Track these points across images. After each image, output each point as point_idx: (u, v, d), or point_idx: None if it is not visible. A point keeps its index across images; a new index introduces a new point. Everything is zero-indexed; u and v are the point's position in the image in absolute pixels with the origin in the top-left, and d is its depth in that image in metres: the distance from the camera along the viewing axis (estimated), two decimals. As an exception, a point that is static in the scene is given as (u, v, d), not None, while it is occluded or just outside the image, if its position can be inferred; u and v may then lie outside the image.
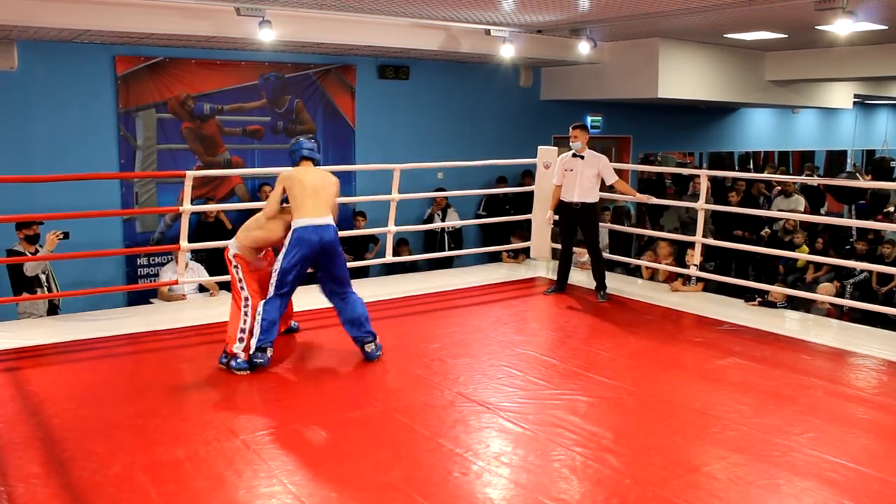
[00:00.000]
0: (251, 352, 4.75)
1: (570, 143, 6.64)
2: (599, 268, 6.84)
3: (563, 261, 6.95)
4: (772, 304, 6.42)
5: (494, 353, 5.20)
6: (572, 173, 6.63)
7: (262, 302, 4.83)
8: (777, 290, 6.57)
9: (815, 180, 12.30)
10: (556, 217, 7.06)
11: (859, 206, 12.93)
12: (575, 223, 6.78)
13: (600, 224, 9.00)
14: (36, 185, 6.88)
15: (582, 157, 6.62)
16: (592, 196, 6.69)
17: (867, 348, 5.35)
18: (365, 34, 8.07)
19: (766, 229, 9.74)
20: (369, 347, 4.97)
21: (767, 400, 4.38)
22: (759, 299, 6.46)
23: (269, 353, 4.80)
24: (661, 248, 7.16)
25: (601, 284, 6.83)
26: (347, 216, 9.27)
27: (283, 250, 4.86)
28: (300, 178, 4.93)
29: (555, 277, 7.36)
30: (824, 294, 7.06)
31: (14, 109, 7.58)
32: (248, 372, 4.69)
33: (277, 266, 4.84)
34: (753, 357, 5.18)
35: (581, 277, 7.43)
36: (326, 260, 4.93)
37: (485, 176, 10.27)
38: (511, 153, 8.65)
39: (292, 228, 4.86)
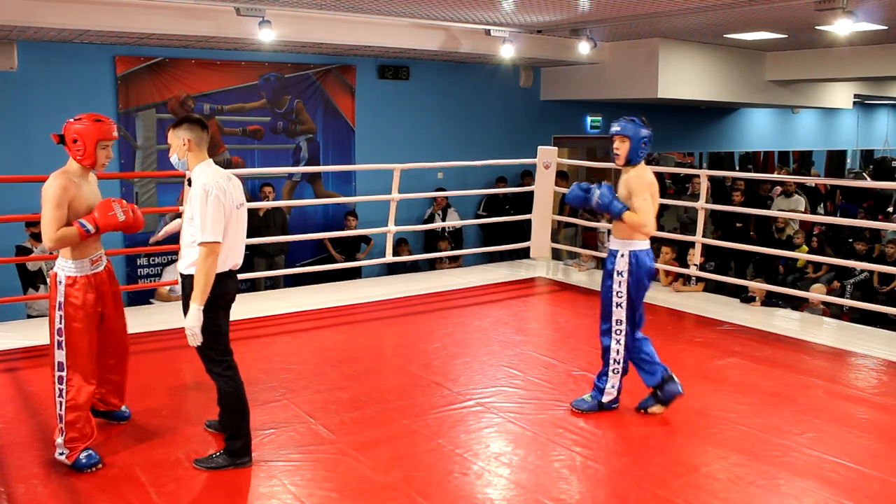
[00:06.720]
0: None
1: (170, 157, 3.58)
2: (234, 414, 3.51)
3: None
4: (775, 304, 6.42)
5: (494, 353, 5.20)
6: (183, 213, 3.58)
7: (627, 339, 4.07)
8: (757, 286, 6.56)
9: (823, 180, 12.27)
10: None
11: (846, 206, 12.90)
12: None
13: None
14: (36, 184, 6.87)
15: (189, 183, 3.46)
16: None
17: (867, 348, 5.35)
18: (365, 34, 8.07)
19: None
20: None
21: (767, 400, 4.39)
22: (758, 300, 6.46)
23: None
24: (664, 253, 7.14)
25: (232, 438, 3.47)
26: (340, 216, 9.27)
27: (629, 278, 4.00)
28: (656, 186, 4.00)
29: (555, 277, 7.32)
30: (816, 293, 7.01)
31: (14, 109, 7.57)
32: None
33: (624, 299, 4.03)
34: (753, 357, 5.18)
35: (581, 277, 7.43)
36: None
37: (485, 176, 10.26)
38: (511, 153, 8.66)
39: (631, 250, 4.00)
